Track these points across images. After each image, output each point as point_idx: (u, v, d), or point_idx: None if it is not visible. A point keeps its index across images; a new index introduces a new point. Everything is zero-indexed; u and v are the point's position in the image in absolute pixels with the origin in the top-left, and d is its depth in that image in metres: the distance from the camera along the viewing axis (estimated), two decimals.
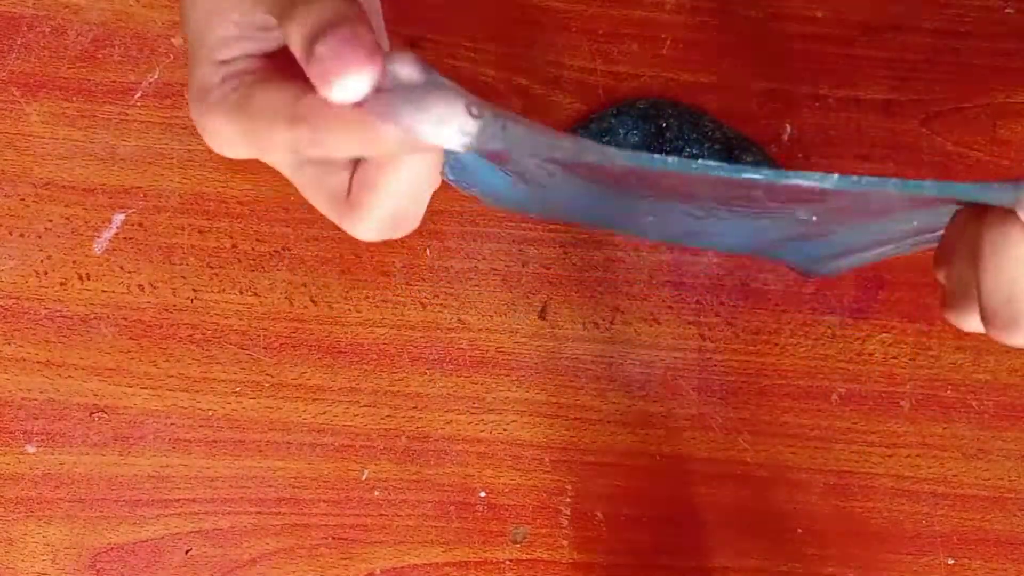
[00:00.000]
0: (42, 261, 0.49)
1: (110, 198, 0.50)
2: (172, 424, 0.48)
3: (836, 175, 0.32)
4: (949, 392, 0.50)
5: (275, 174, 0.50)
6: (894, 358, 0.50)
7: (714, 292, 0.50)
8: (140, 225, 0.50)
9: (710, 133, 0.51)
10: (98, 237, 0.49)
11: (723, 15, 0.53)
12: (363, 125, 0.30)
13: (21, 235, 0.49)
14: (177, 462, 0.48)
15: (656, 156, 0.32)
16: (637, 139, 0.50)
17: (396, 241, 0.50)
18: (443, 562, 0.48)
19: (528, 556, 0.48)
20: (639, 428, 0.49)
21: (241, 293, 0.49)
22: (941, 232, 0.38)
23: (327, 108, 0.30)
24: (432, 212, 0.50)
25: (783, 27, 0.53)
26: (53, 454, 0.48)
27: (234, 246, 0.50)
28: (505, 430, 0.49)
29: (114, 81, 0.50)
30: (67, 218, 0.49)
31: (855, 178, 0.32)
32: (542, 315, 0.50)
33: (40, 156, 0.50)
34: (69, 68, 0.50)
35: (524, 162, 0.38)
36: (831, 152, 0.51)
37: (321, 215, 0.50)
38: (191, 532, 0.47)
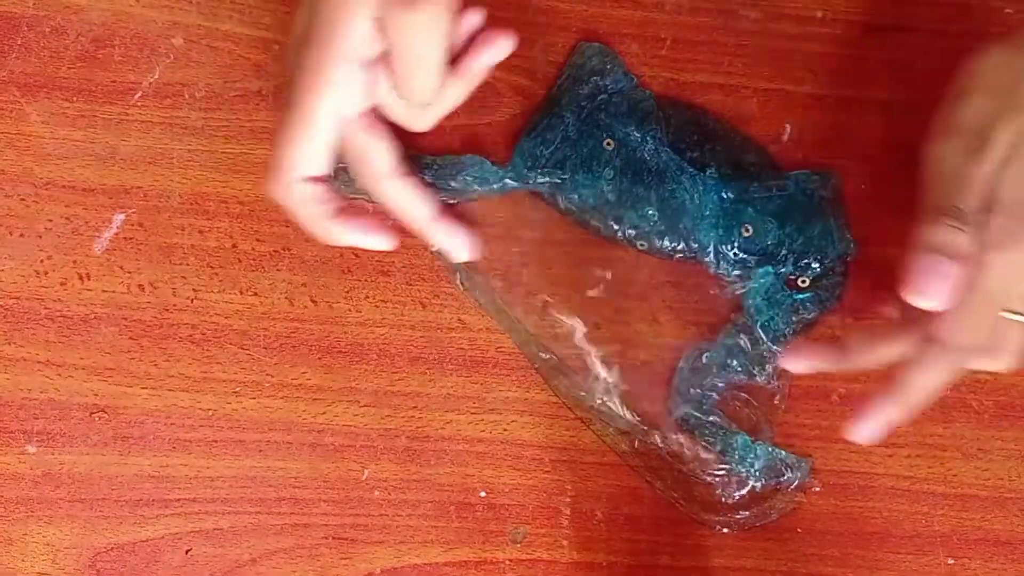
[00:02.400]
0: (42, 261, 0.49)
1: (110, 198, 0.50)
2: (172, 424, 0.48)
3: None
4: (949, 392, 0.50)
5: None
6: None
7: (716, 290, 0.50)
8: (140, 225, 0.50)
9: (711, 133, 0.51)
10: (98, 237, 0.49)
11: (723, 15, 0.53)
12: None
13: (21, 235, 0.49)
14: (177, 462, 0.48)
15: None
16: (638, 139, 0.50)
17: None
18: (443, 562, 0.48)
19: (528, 556, 0.48)
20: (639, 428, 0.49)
21: (241, 293, 0.49)
22: None
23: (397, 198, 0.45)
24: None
25: (783, 27, 0.53)
26: (53, 454, 0.48)
27: (234, 246, 0.50)
28: (505, 430, 0.49)
29: (114, 81, 0.50)
30: (67, 218, 0.49)
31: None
32: (542, 315, 0.50)
33: (40, 156, 0.50)
34: (69, 68, 0.50)
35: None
36: (831, 152, 0.51)
37: None
38: (191, 532, 0.47)
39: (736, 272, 0.49)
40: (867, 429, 0.42)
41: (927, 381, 0.41)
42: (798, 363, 0.46)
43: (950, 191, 0.41)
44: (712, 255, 0.49)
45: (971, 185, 0.40)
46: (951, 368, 0.41)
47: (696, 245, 0.49)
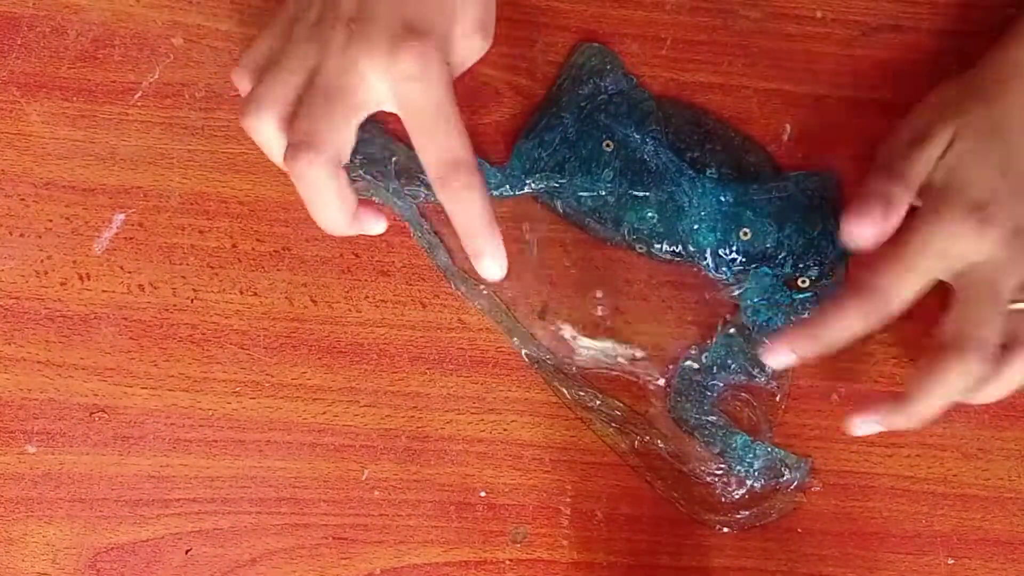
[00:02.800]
0: (42, 261, 0.49)
1: (110, 198, 0.50)
2: (172, 424, 0.48)
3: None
4: None
5: (275, 174, 0.50)
6: (894, 358, 0.50)
7: (714, 292, 0.50)
8: (140, 225, 0.50)
9: (711, 133, 0.51)
10: (98, 237, 0.49)
11: (723, 15, 0.53)
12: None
13: (21, 235, 0.49)
14: (177, 462, 0.48)
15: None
16: (638, 141, 0.50)
17: (396, 241, 0.50)
18: (443, 562, 0.48)
19: (528, 556, 0.48)
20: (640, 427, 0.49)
21: (241, 293, 0.49)
22: None
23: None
24: (430, 212, 0.50)
25: (783, 27, 0.53)
26: (53, 454, 0.48)
27: (234, 246, 0.50)
28: (505, 430, 0.49)
29: (114, 81, 0.50)
30: (67, 218, 0.49)
31: None
32: (542, 315, 0.50)
33: (40, 156, 0.50)
34: (69, 68, 0.50)
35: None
36: (831, 152, 0.51)
37: None
38: (191, 532, 0.47)
39: (734, 275, 0.49)
40: (779, 356, 0.46)
41: (843, 320, 0.44)
42: (868, 426, 0.46)
43: (895, 161, 0.47)
44: (710, 259, 0.49)
45: (912, 158, 0.46)
46: (867, 313, 0.44)
47: (694, 249, 0.49)
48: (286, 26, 0.44)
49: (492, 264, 0.43)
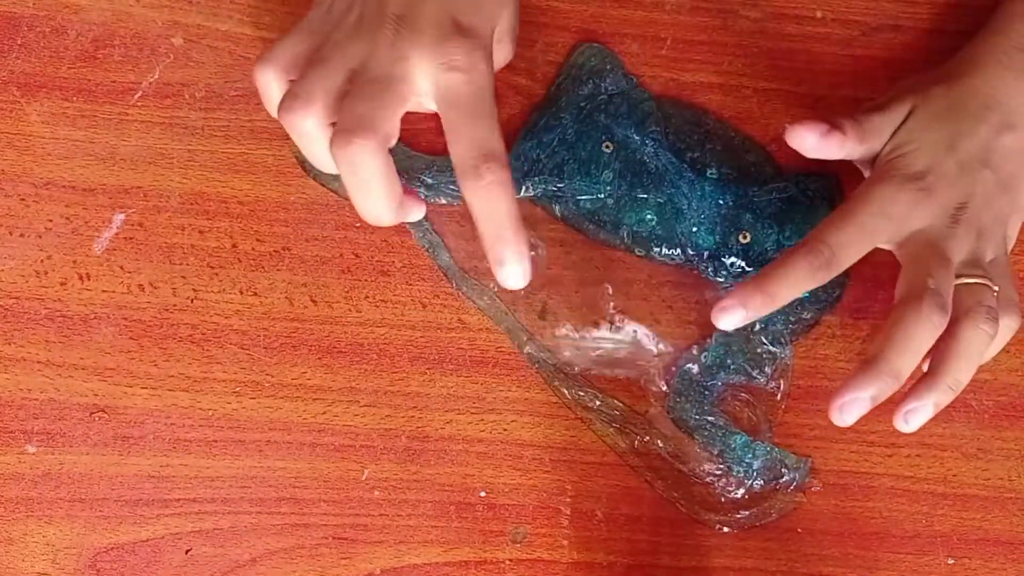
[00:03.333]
0: (42, 261, 0.49)
1: (110, 198, 0.50)
2: (172, 424, 0.48)
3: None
4: None
5: (275, 174, 0.50)
6: None
7: (713, 292, 0.50)
8: (140, 225, 0.50)
9: (711, 133, 0.51)
10: (98, 237, 0.49)
11: (723, 15, 0.53)
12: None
13: (21, 235, 0.49)
14: (177, 462, 0.48)
15: None
16: (637, 142, 0.50)
17: (396, 241, 0.50)
18: (443, 562, 0.48)
19: (528, 556, 0.48)
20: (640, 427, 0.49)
21: (241, 293, 0.49)
22: None
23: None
24: (429, 212, 0.50)
25: (783, 27, 0.53)
26: (53, 454, 0.48)
27: (234, 246, 0.50)
28: (505, 430, 0.49)
29: (114, 81, 0.50)
30: (67, 218, 0.49)
31: None
32: (542, 315, 0.50)
33: (40, 156, 0.50)
34: (69, 68, 0.50)
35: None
36: None
37: (321, 215, 0.50)
38: (191, 532, 0.47)
39: (734, 278, 0.49)
40: (732, 316, 0.44)
41: (793, 275, 0.44)
42: (854, 407, 0.43)
43: (854, 114, 0.48)
44: (709, 262, 0.49)
45: (869, 115, 0.47)
46: (816, 268, 0.43)
47: (693, 252, 0.49)
48: (318, 27, 0.44)
49: (516, 270, 0.41)
